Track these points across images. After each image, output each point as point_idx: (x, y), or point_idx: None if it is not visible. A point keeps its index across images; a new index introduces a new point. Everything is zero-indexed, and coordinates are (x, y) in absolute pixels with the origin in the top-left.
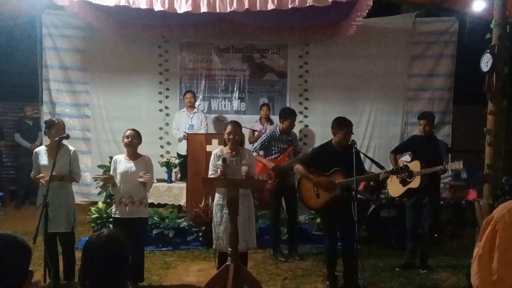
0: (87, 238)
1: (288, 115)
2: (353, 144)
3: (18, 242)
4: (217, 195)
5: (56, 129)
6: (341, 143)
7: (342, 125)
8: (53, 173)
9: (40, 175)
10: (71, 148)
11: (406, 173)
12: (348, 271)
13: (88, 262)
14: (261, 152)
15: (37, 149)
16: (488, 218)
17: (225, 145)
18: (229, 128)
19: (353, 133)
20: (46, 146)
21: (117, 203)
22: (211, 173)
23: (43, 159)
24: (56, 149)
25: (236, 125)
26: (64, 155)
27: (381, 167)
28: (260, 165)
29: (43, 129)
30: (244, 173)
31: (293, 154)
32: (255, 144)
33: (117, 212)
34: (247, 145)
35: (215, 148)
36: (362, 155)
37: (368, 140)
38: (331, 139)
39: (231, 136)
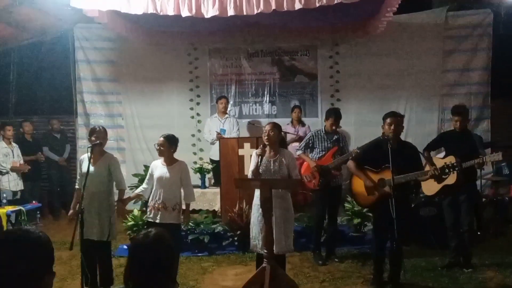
0: (132, 238)
1: (328, 114)
2: (397, 139)
3: (30, 238)
4: (255, 195)
5: (96, 136)
6: (387, 134)
7: (385, 115)
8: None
9: (70, 212)
10: (111, 155)
11: (457, 170)
12: (394, 273)
13: (134, 261)
14: (307, 151)
15: (81, 157)
16: None
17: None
18: (266, 127)
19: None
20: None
21: (151, 207)
22: (251, 169)
23: (85, 166)
24: (90, 155)
25: (274, 125)
26: (104, 162)
27: (433, 164)
28: (305, 164)
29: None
30: None
31: (339, 154)
32: (301, 143)
33: (150, 216)
34: None
35: (248, 152)
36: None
37: (403, 139)
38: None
39: (266, 133)
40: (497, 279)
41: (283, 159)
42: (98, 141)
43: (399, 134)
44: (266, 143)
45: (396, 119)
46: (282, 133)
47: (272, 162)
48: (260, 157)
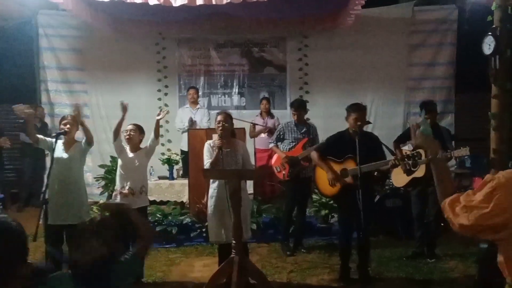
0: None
1: (292, 107)
2: (360, 131)
3: (8, 227)
4: (211, 187)
5: (64, 124)
6: (352, 128)
7: (351, 109)
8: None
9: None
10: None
11: (417, 159)
12: (362, 262)
13: (77, 247)
14: (279, 143)
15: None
16: (489, 177)
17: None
18: (218, 118)
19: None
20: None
21: (117, 193)
22: (207, 161)
23: (59, 152)
24: (55, 144)
25: (226, 115)
26: (75, 148)
27: (393, 154)
28: (277, 156)
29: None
30: None
31: (310, 145)
32: (272, 136)
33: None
34: (249, 140)
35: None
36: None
37: (370, 131)
38: (348, 127)
39: (220, 125)
40: (459, 269)
41: (237, 150)
42: (63, 130)
43: (363, 126)
44: (221, 134)
45: (361, 113)
46: (251, 124)
47: (227, 153)
48: (221, 149)
